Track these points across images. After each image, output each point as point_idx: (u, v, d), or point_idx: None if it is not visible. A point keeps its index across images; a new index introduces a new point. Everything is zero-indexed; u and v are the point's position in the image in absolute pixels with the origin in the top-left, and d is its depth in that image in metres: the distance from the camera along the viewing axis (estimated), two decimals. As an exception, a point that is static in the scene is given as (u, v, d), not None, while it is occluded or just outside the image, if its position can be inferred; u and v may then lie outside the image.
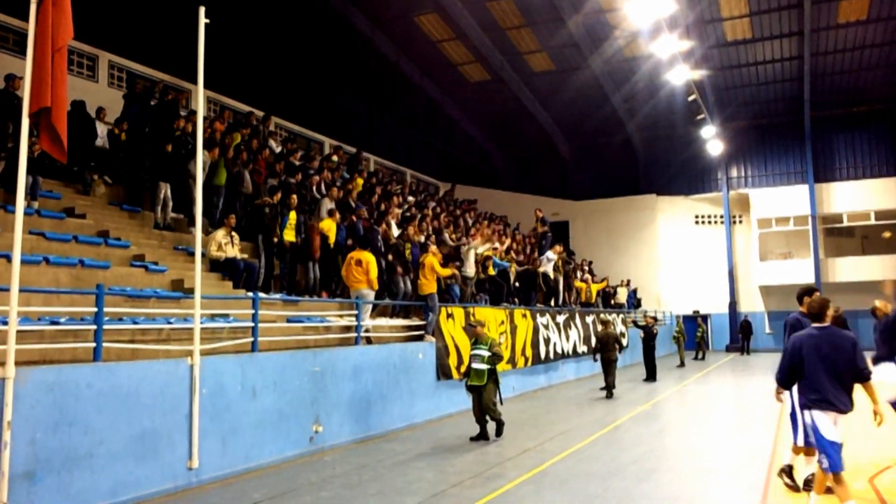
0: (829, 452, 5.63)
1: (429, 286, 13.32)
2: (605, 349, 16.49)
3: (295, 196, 12.92)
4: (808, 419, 5.81)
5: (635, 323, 21.76)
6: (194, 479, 7.59)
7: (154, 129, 13.00)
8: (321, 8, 23.89)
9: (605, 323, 17.55)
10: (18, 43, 14.61)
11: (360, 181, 17.29)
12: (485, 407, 10.44)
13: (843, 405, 5.66)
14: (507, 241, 20.48)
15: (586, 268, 26.87)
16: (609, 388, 16.11)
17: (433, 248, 13.97)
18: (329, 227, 13.11)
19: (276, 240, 12.30)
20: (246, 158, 13.65)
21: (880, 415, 5.71)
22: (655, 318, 22.86)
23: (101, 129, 12.80)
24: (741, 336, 31.46)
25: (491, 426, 10.66)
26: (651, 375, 19.57)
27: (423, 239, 15.04)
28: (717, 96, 31.99)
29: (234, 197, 13.23)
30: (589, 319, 21.93)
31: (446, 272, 14.06)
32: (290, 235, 12.51)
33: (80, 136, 11.56)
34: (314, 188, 15.05)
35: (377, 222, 14.89)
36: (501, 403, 10.76)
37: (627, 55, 28.66)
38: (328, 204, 14.18)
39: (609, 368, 16.29)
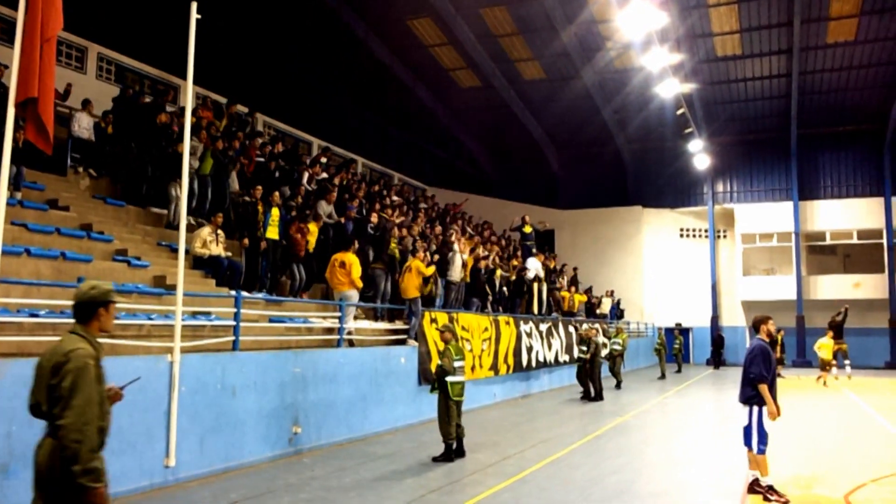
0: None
1: (413, 290, 13.28)
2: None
3: (277, 193, 12.75)
4: None
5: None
6: (171, 478, 7.52)
7: (142, 125, 12.91)
8: (314, 7, 23.84)
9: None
10: (7, 31, 14.48)
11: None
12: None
13: (741, 398, 7.51)
14: (494, 249, 20.51)
15: (567, 276, 26.84)
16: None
17: (420, 253, 13.91)
18: (314, 230, 13.04)
19: (259, 234, 11.96)
20: (230, 150, 13.50)
21: (772, 413, 7.23)
22: (597, 330, 20.42)
23: (88, 122, 12.68)
24: (712, 350, 31.64)
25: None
26: (597, 393, 17.46)
27: (410, 244, 14.99)
28: (705, 111, 32.22)
29: (222, 193, 13.11)
30: (571, 329, 21.95)
31: (430, 270, 13.93)
32: (272, 233, 12.17)
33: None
34: (304, 185, 14.95)
35: (366, 219, 14.85)
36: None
37: (619, 67, 28.81)
38: (325, 207, 13.99)
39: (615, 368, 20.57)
